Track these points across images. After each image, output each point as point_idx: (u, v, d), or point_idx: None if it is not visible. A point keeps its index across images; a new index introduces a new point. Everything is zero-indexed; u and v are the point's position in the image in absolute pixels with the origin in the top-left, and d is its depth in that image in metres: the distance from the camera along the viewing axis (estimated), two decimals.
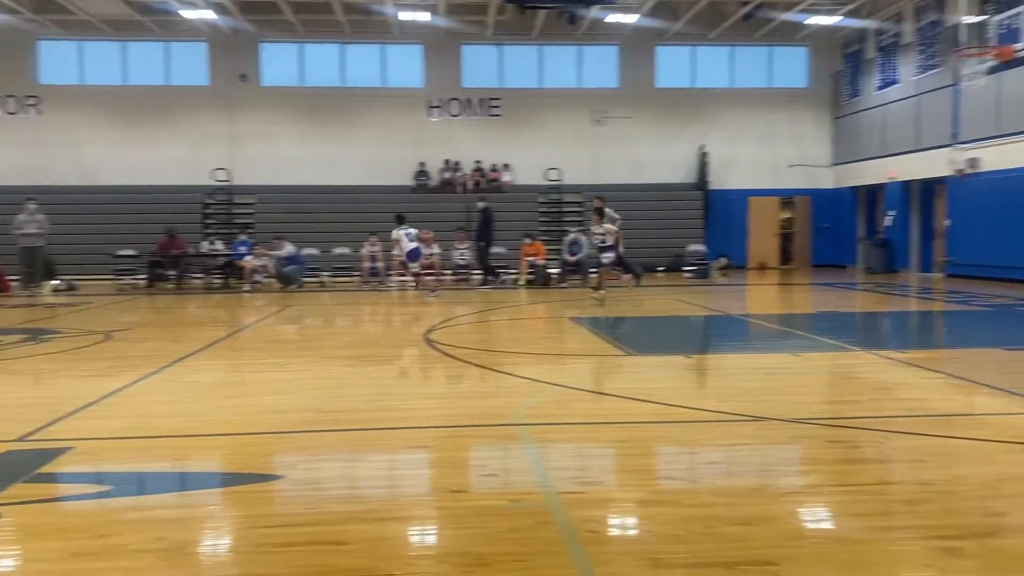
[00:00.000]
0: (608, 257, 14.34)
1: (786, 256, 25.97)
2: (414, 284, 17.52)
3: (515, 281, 19.49)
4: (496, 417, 5.92)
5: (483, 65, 24.59)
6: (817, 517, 3.94)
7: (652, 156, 24.85)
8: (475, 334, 11.42)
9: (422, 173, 24.25)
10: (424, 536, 3.64)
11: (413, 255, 16.11)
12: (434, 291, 16.38)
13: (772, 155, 25.33)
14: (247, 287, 18.37)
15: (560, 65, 24.83)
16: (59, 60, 23.57)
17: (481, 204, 19.39)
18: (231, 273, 19.63)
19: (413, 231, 16.31)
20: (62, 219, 20.05)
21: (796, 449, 5.12)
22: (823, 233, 25.74)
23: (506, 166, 24.43)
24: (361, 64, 24.27)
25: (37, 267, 18.10)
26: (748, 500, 4.03)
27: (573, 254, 19.48)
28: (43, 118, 23.42)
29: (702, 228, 23.89)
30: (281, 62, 24.07)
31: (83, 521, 3.82)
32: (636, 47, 24.62)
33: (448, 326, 11.71)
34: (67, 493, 4.28)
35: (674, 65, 25.20)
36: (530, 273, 19.26)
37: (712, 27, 23.69)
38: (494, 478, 4.55)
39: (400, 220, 16.41)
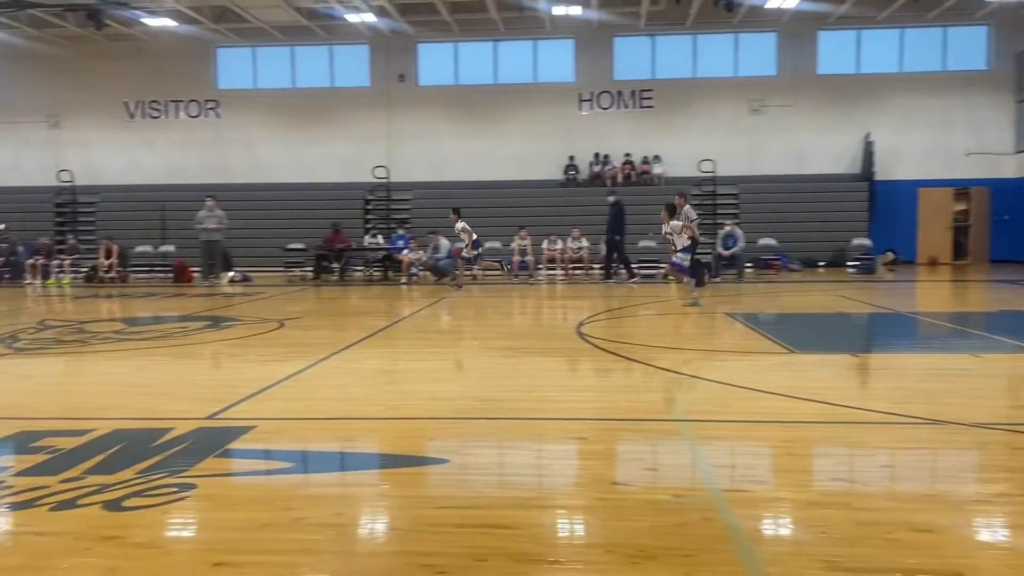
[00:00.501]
0: (681, 257, 13.46)
1: (959, 251, 24.20)
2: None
3: (665, 276, 19.19)
4: (653, 412, 5.86)
5: (635, 57, 24.33)
6: (1005, 527, 3.66)
7: (812, 146, 23.79)
8: (627, 328, 11.35)
9: (571, 167, 24.30)
10: (587, 525, 3.66)
11: (687, 251, 14.11)
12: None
13: (945, 143, 23.66)
14: (404, 279, 19.07)
15: (715, 54, 24.20)
16: (235, 66, 25.29)
17: (612, 198, 19.14)
18: (390, 266, 20.45)
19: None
20: (238, 215, 21.50)
21: (978, 455, 4.78)
22: (1003, 226, 23.78)
23: (657, 158, 24.09)
24: (513, 61, 24.61)
25: (216, 259, 19.56)
26: (928, 506, 3.81)
27: (728, 248, 18.96)
28: (221, 121, 25.20)
29: (867, 221, 22.67)
30: (437, 62, 24.77)
31: (268, 495, 4.10)
32: (796, 33, 23.63)
33: (599, 320, 11.70)
34: (253, 468, 4.60)
35: (837, 50, 24.00)
36: None
37: (880, 9, 22.38)
38: (655, 472, 4.51)
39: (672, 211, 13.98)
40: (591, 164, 24.32)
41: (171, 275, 20.59)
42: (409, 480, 4.35)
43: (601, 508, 3.83)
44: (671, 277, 14.41)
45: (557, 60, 24.51)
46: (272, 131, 25.06)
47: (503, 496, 3.99)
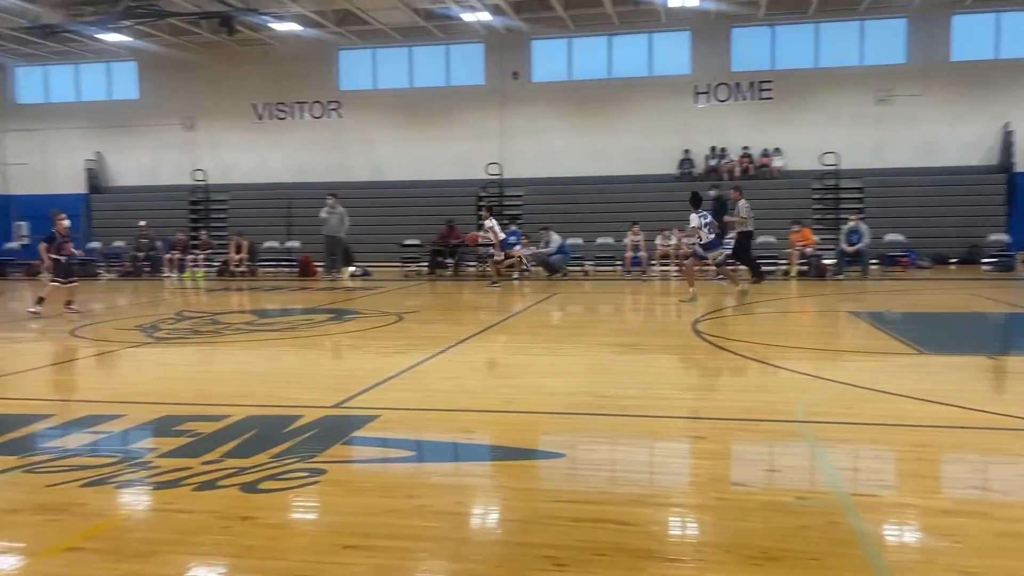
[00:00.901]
0: (702, 254, 13.27)
1: None
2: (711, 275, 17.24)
3: (785, 272, 18.64)
4: (773, 412, 5.73)
5: (754, 47, 23.66)
6: None
7: (944, 136, 22.52)
8: (745, 326, 11.09)
9: (687, 161, 23.89)
10: (706, 525, 3.63)
11: (712, 246, 13.21)
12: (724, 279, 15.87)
13: None
14: (516, 275, 19.24)
15: (839, 42, 23.24)
16: (356, 68, 26.10)
17: (713, 192, 18.66)
18: (502, 261, 20.65)
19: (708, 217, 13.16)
20: (358, 212, 22.21)
21: None
22: None
23: (777, 151, 23.37)
24: (627, 54, 24.38)
25: (337, 255, 20.29)
26: None
27: (852, 243, 18.22)
28: (342, 121, 26.07)
29: (1004, 215, 21.28)
30: (551, 58, 24.83)
31: (393, 482, 4.25)
32: (928, 18, 22.42)
33: (715, 317, 11.48)
34: (377, 456, 4.78)
35: (973, 35, 22.59)
36: (802, 263, 18.31)
37: None
38: (776, 474, 4.42)
39: (696, 203, 13.02)
40: (707, 158, 23.84)
41: (296, 270, 21.48)
42: (525, 473, 4.42)
43: (720, 508, 3.78)
44: (722, 277, 14.31)
45: (673, 53, 24.12)
46: (390, 130, 25.74)
47: (620, 492, 4.00)
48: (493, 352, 8.86)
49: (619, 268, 20.11)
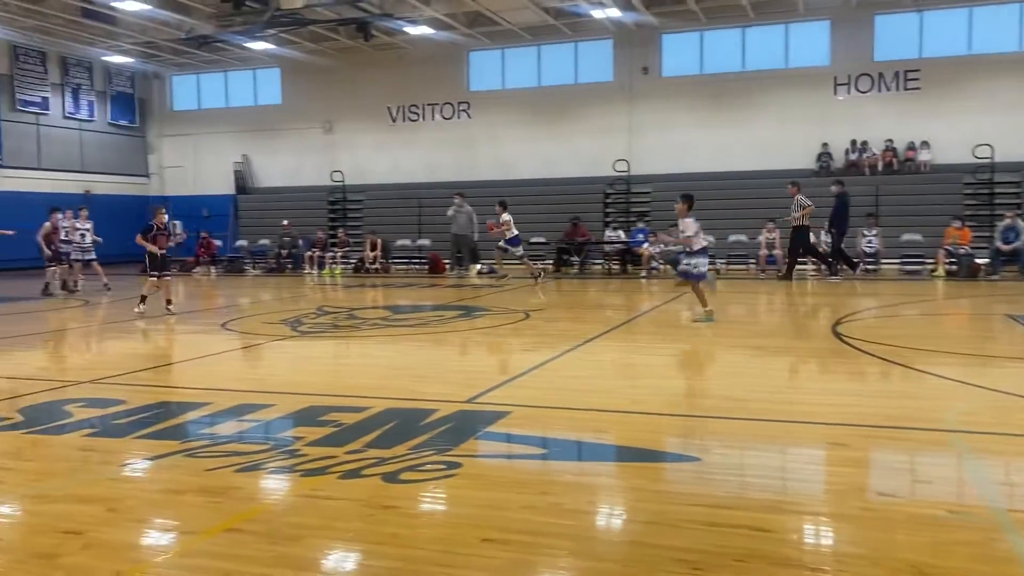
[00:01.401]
0: (693, 264, 10.34)
1: None
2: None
3: (931, 272, 17.63)
4: (919, 420, 5.45)
5: (899, 35, 22.42)
6: None
7: None
8: (888, 329, 10.58)
9: (824, 155, 22.93)
10: (851, 536, 3.49)
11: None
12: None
13: None
14: (644, 273, 19.05)
15: (995, 26, 21.70)
16: (485, 68, 26.50)
17: (835, 188, 17.85)
18: (629, 260, 20.52)
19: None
20: (486, 210, 22.50)
21: None
22: None
23: (925, 144, 22.08)
24: (762, 46, 23.62)
25: (464, 253, 20.69)
26: None
27: (1008, 242, 17.03)
28: (471, 121, 26.54)
29: None
30: (681, 52, 24.40)
31: (526, 478, 4.32)
32: None
33: (856, 319, 11.00)
34: (510, 452, 4.87)
35: None
36: (951, 262, 17.27)
37: None
38: (924, 485, 4.21)
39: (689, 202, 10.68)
40: (847, 152, 22.80)
41: (427, 267, 22.06)
42: (658, 475, 4.40)
43: (865, 519, 3.64)
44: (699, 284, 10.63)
45: (810, 43, 23.20)
46: (517, 129, 26.00)
47: (756, 498, 3.91)
48: (621, 351, 8.81)
49: (753, 267, 19.55)
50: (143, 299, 12.09)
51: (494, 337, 9.83)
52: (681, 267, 10.70)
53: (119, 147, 29.33)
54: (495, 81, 26.36)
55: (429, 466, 4.40)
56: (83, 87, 27.61)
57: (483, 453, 4.80)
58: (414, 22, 22.79)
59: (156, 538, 3.61)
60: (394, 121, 27.31)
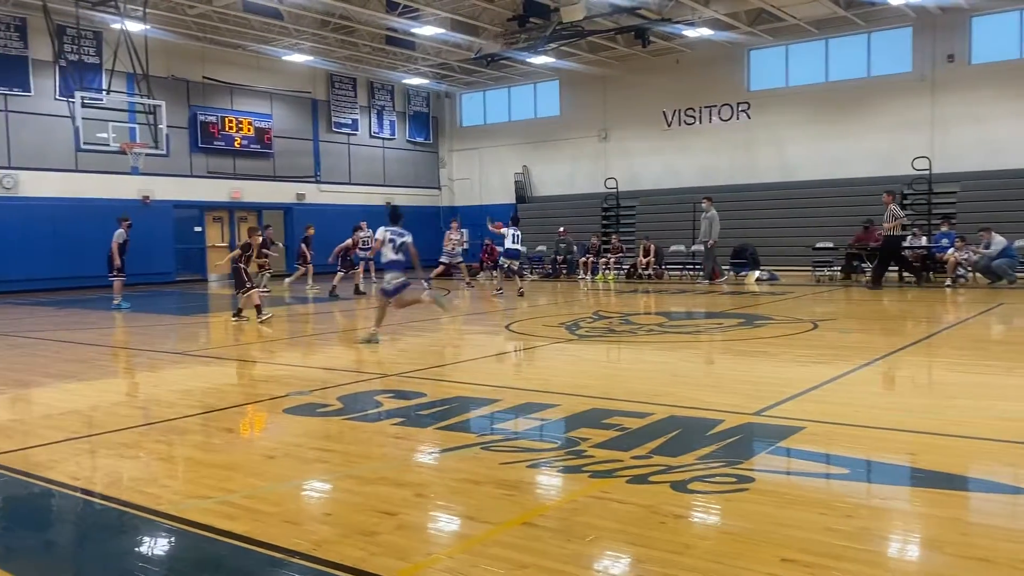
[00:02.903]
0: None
1: None
2: None
3: None
4: None
5: None
6: None
7: None
8: None
9: None
10: None
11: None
12: None
13: None
14: (949, 281, 17.22)
15: None
16: (766, 66, 25.46)
17: None
18: (931, 266, 18.63)
19: None
20: (765, 214, 21.66)
21: None
22: None
23: None
24: None
25: (707, 260, 20.01)
26: None
27: None
28: (750, 122, 25.60)
29: None
30: (995, 35, 21.75)
31: (828, 498, 4.02)
32: None
33: None
34: (807, 469, 4.56)
35: None
36: None
37: None
38: None
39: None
40: None
41: (700, 272, 21.57)
42: (979, 506, 3.90)
43: None
44: None
45: None
46: (801, 128, 24.66)
47: None
48: (928, 367, 8.00)
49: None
50: (258, 308, 12.75)
51: (780, 348, 9.36)
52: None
53: (415, 162, 32.03)
54: (777, 79, 25.26)
55: (719, 478, 4.26)
56: (386, 108, 30.51)
57: (776, 468, 4.55)
58: (692, 24, 22.46)
59: (459, 525, 3.82)
60: (669, 126, 27.12)
